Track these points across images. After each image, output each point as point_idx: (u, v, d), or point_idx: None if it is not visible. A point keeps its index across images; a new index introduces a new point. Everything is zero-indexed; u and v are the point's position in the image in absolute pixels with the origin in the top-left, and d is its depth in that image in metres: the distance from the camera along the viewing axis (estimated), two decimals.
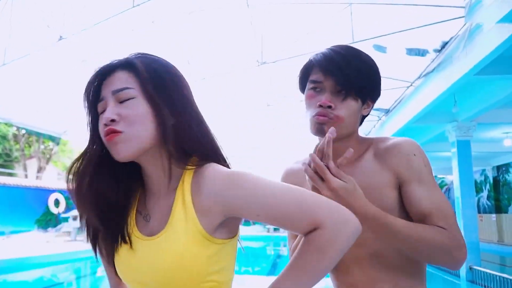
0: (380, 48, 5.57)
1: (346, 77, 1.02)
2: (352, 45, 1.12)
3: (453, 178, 7.95)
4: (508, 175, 13.54)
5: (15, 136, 21.69)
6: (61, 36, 5.63)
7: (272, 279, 0.78)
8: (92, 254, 0.90)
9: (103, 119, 0.79)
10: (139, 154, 0.81)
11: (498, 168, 14.12)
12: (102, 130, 0.80)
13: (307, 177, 0.94)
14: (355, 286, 1.06)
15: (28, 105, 8.57)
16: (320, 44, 5.13)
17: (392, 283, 1.03)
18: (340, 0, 5.21)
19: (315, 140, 1.15)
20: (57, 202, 16.24)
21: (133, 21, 5.66)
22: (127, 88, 0.80)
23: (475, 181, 14.21)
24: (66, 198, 16.17)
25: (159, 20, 5.85)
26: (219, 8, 5.81)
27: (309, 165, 0.93)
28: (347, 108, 1.03)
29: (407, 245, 0.95)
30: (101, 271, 8.87)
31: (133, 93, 0.80)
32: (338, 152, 0.95)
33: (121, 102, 0.80)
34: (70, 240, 13.60)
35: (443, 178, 16.18)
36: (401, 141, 1.05)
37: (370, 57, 1.08)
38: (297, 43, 6.03)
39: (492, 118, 7.50)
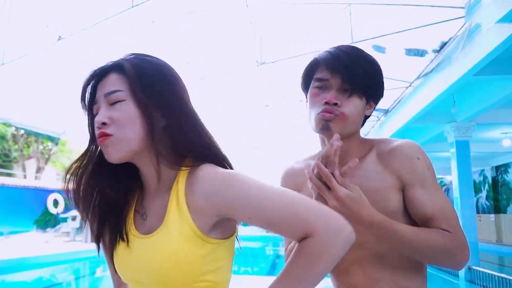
0: (379, 49, 5.58)
1: (352, 75, 1.02)
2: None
3: (452, 178, 7.96)
4: (507, 176, 13.55)
5: (14, 136, 21.69)
6: (60, 36, 5.63)
7: (271, 279, 0.78)
8: (92, 254, 0.91)
9: (95, 122, 0.81)
10: (129, 156, 0.81)
11: (497, 168, 14.13)
12: (96, 132, 0.81)
13: (310, 185, 0.94)
14: (355, 287, 1.06)
15: (27, 105, 8.57)
16: (319, 44, 5.14)
17: (393, 284, 1.03)
18: (340, 0, 5.21)
19: (315, 140, 1.15)
20: (56, 203, 16.23)
21: (132, 21, 5.66)
22: (116, 91, 0.80)
23: (474, 182, 14.24)
24: (65, 199, 16.10)
25: (158, 20, 5.85)
26: (219, 8, 5.80)
27: (313, 171, 0.92)
28: (352, 106, 1.04)
29: (412, 250, 0.96)
30: (100, 271, 8.85)
31: (122, 96, 0.80)
32: (340, 151, 0.95)
33: (112, 104, 0.80)
34: (69, 240, 13.56)
35: (442, 178, 16.19)
36: (404, 144, 1.06)
37: (374, 58, 1.08)
38: (296, 43, 6.04)
39: (491, 119, 7.51)
